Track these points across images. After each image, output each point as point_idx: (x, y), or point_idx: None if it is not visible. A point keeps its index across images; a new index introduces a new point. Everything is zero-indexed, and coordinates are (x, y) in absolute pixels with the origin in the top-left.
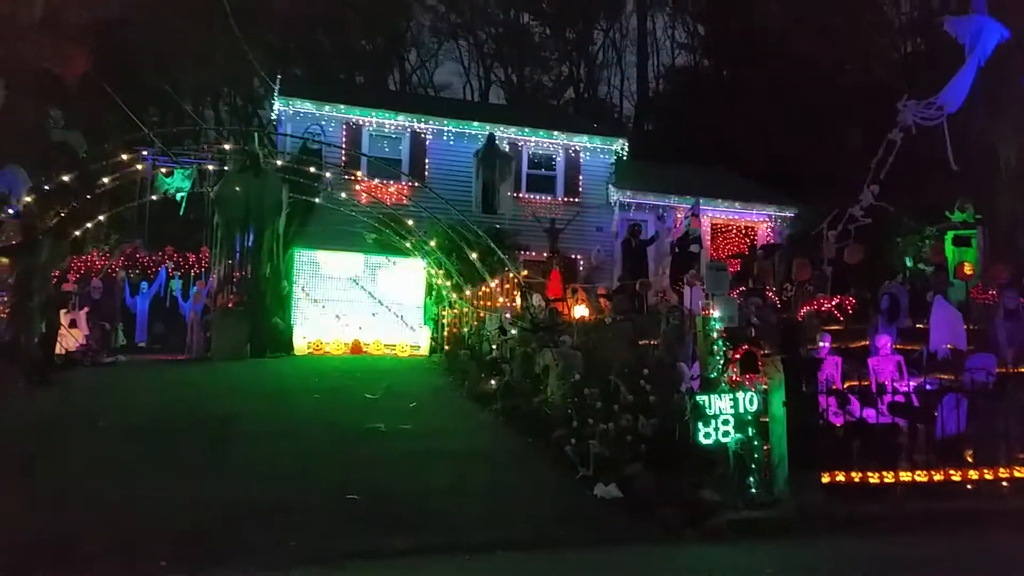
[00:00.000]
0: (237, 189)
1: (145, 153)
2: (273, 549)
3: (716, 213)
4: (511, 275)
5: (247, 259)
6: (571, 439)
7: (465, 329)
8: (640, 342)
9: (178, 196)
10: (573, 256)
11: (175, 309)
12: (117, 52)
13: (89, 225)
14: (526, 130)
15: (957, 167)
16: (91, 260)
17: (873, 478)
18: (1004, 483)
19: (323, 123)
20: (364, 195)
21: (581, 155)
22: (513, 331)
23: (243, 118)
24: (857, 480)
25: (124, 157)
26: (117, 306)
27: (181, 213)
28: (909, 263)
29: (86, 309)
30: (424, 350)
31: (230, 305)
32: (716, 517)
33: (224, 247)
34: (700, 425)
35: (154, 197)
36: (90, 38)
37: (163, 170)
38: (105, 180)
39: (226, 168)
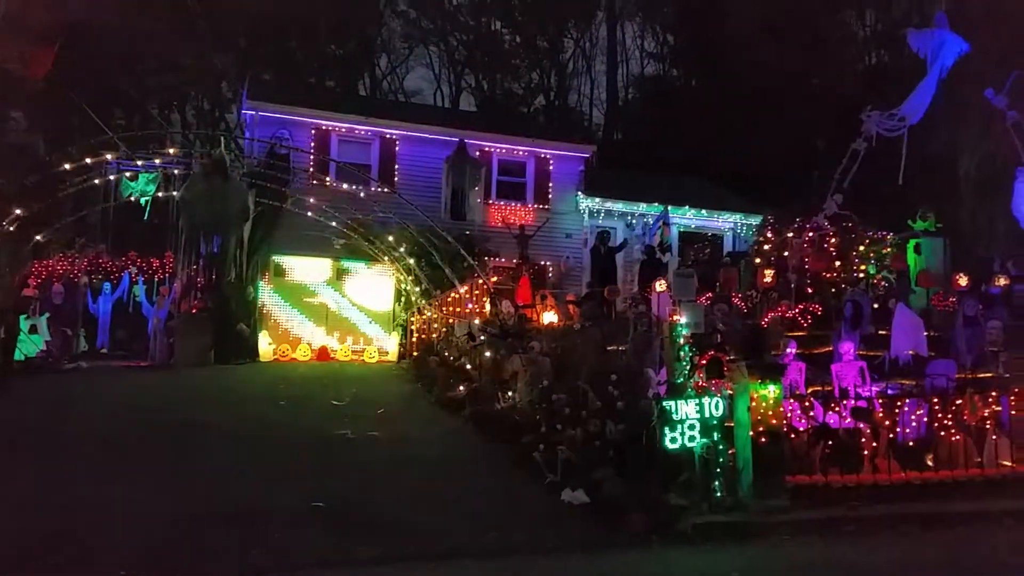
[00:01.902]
0: (203, 193)
1: (109, 157)
2: (237, 557)
3: (683, 220)
4: (480, 281)
5: (212, 264)
6: (539, 445)
7: (434, 335)
8: (608, 348)
9: (142, 200)
10: (542, 263)
11: (138, 315)
12: (82, 54)
13: (52, 229)
14: (496, 137)
15: (904, 181)
16: (53, 265)
17: (836, 482)
18: (963, 486)
19: (291, 127)
20: (333, 200)
21: (551, 162)
22: (482, 337)
23: (210, 122)
24: (820, 484)
25: (88, 160)
26: (79, 311)
27: (145, 218)
28: (872, 271)
29: (47, 315)
30: (392, 356)
31: (194, 311)
32: (682, 521)
33: (189, 252)
34: (667, 430)
35: (118, 201)
36: (54, 39)
37: (127, 174)
38: (68, 183)
39: (191, 172)
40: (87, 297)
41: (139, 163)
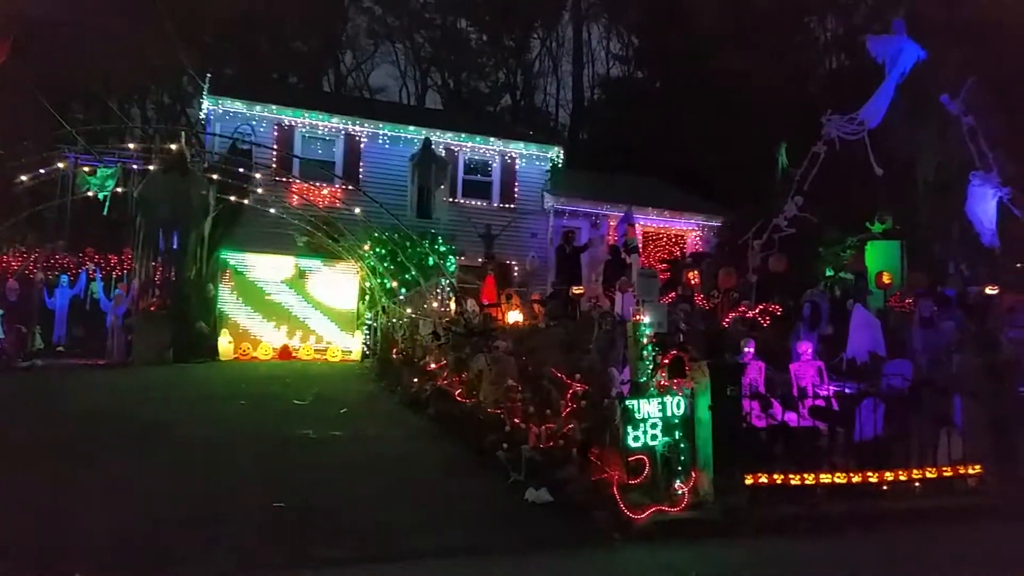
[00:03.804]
0: (162, 189)
1: (67, 151)
2: (197, 559)
3: (647, 221)
4: (445, 280)
5: (171, 261)
6: (503, 444)
7: (398, 334)
8: (573, 347)
9: (100, 196)
10: (508, 262)
11: (96, 312)
12: (39, 46)
13: (6, 224)
14: (462, 135)
15: (880, 172)
16: (7, 261)
17: (795, 480)
18: (917, 484)
19: (254, 123)
20: (296, 197)
21: (517, 162)
22: (447, 336)
23: (171, 117)
24: (779, 482)
25: (44, 154)
26: (34, 308)
27: (104, 213)
28: (830, 272)
29: (1, 312)
30: (356, 355)
31: (153, 309)
32: (644, 519)
33: (148, 249)
34: (629, 429)
35: (76, 197)
36: (9, 30)
37: (86, 169)
38: (24, 178)
39: (151, 168)
40: (43, 293)
41: (98, 158)
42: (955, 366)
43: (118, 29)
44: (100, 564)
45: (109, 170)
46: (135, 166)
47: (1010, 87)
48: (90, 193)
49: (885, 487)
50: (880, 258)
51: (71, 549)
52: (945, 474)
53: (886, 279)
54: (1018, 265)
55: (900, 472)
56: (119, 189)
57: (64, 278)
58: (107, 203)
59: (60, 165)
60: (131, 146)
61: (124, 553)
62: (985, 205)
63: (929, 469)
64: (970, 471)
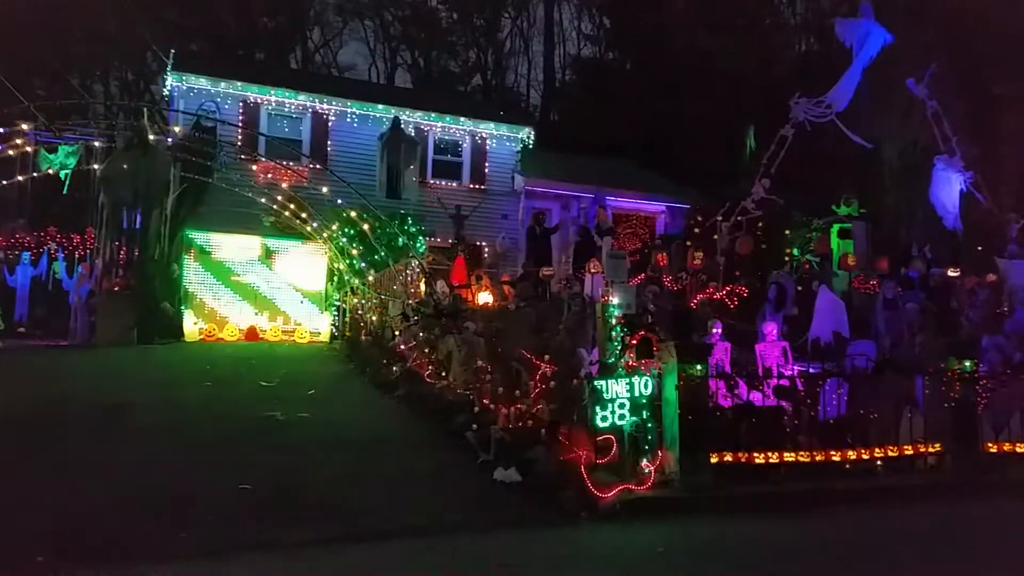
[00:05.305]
0: (124, 167)
1: (27, 127)
2: (161, 542)
3: (617, 203)
4: (415, 261)
5: (135, 241)
6: (472, 424)
7: (368, 315)
8: (542, 329)
9: (62, 174)
10: (478, 243)
11: (58, 292)
12: None
13: None
14: (432, 115)
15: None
16: None
17: (759, 459)
18: (879, 462)
19: (219, 100)
20: (262, 176)
21: (488, 142)
22: (416, 317)
23: (134, 93)
24: (744, 461)
25: (3, 131)
26: None
27: (65, 192)
28: (796, 254)
29: None
30: (325, 337)
31: (116, 289)
32: (611, 498)
33: (111, 228)
34: (598, 409)
35: (36, 175)
36: None
37: (46, 146)
38: None
39: (114, 145)
40: (3, 272)
41: (58, 135)
42: (917, 346)
43: (79, 3)
44: (62, 548)
45: (70, 147)
46: (97, 143)
47: (974, 72)
48: (51, 171)
49: (848, 465)
50: (845, 240)
51: (33, 533)
52: (906, 452)
53: (850, 261)
54: (979, 248)
55: (862, 451)
56: (81, 167)
57: (25, 255)
58: (68, 181)
59: (19, 142)
60: (92, 123)
61: (88, 536)
62: (948, 189)
63: (891, 448)
64: (930, 449)
